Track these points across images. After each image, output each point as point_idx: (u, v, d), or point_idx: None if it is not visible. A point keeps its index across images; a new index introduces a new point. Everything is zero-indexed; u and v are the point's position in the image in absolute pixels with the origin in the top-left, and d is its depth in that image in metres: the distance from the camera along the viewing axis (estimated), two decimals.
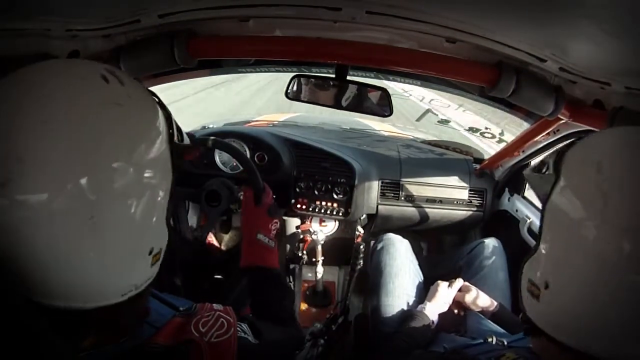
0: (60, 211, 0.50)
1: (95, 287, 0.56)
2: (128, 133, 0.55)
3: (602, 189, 0.58)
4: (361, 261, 1.81)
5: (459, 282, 1.37)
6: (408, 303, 1.43)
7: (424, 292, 1.45)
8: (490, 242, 1.62)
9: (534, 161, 1.73)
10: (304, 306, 2.05)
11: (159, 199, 0.60)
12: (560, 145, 1.42)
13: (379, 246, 1.63)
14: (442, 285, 1.36)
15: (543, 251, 0.67)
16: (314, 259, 2.03)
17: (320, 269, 2.00)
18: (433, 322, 1.29)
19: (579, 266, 0.59)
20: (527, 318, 0.70)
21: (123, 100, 0.56)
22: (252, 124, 2.48)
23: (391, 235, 1.67)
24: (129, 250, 0.58)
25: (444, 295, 1.34)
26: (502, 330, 1.25)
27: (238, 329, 0.77)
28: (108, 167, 0.52)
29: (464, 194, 1.91)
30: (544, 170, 1.74)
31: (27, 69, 0.55)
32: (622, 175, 0.58)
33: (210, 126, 2.16)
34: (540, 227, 0.68)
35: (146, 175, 0.57)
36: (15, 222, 0.50)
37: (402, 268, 1.52)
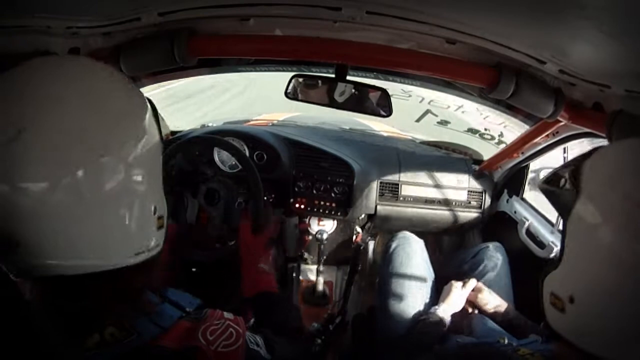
0: (70, 178, 0.56)
1: (111, 244, 0.61)
2: (125, 107, 0.63)
3: (624, 202, 0.57)
4: (359, 261, 1.81)
5: (473, 282, 1.37)
6: (422, 303, 1.43)
7: (436, 292, 1.45)
8: (494, 247, 1.61)
9: (546, 172, 1.73)
10: (302, 306, 2.05)
11: (156, 162, 0.67)
12: (576, 156, 1.43)
13: (395, 244, 1.62)
14: (457, 285, 1.36)
15: (567, 265, 0.65)
16: (312, 259, 2.03)
17: (318, 268, 2.00)
18: (446, 322, 1.29)
19: (604, 281, 0.59)
20: (549, 327, 0.69)
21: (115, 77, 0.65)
22: (252, 123, 2.47)
23: (407, 233, 1.65)
24: (137, 207, 0.63)
25: (458, 296, 1.34)
26: (510, 336, 1.24)
27: (251, 339, 0.77)
28: (116, 134, 0.60)
29: (463, 195, 1.91)
30: (562, 184, 1.73)
31: (24, 65, 0.60)
32: None
33: (210, 125, 2.16)
34: (563, 241, 0.67)
35: (145, 140, 0.63)
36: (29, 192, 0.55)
37: (418, 267, 1.52)
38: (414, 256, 1.55)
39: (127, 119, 0.62)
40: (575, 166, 0.68)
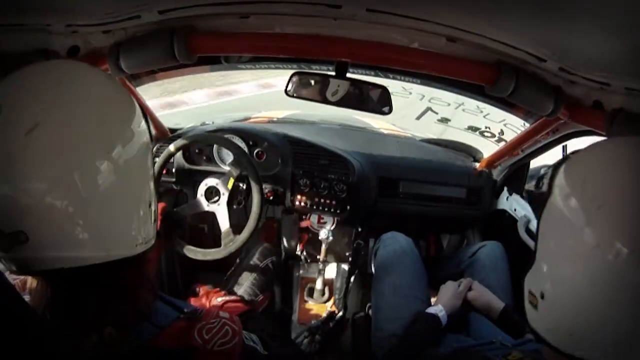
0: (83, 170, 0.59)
1: (113, 236, 0.64)
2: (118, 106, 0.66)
3: (586, 204, 0.60)
4: (359, 259, 1.81)
5: (468, 282, 1.37)
6: (415, 302, 1.42)
7: (429, 291, 1.45)
8: (492, 246, 1.61)
9: (533, 161, 1.74)
10: (302, 303, 2.05)
11: (149, 159, 0.71)
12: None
13: (384, 244, 1.62)
14: (453, 285, 1.36)
15: (538, 262, 0.69)
16: (312, 256, 2.03)
17: (318, 266, 2.00)
18: (442, 322, 1.28)
19: (570, 277, 0.61)
20: (530, 327, 0.71)
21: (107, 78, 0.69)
22: (252, 120, 2.47)
23: (396, 233, 1.66)
24: (137, 201, 0.68)
25: (454, 296, 1.34)
26: (505, 335, 1.25)
27: (246, 337, 0.77)
28: (115, 134, 0.63)
29: (462, 193, 1.91)
30: (540, 185, 1.74)
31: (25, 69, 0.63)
32: (605, 190, 0.60)
33: (210, 122, 2.15)
34: (537, 239, 0.71)
35: (139, 139, 0.67)
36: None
37: (408, 267, 1.52)
38: (403, 255, 1.55)
39: (125, 120, 0.66)
40: (554, 168, 0.70)
